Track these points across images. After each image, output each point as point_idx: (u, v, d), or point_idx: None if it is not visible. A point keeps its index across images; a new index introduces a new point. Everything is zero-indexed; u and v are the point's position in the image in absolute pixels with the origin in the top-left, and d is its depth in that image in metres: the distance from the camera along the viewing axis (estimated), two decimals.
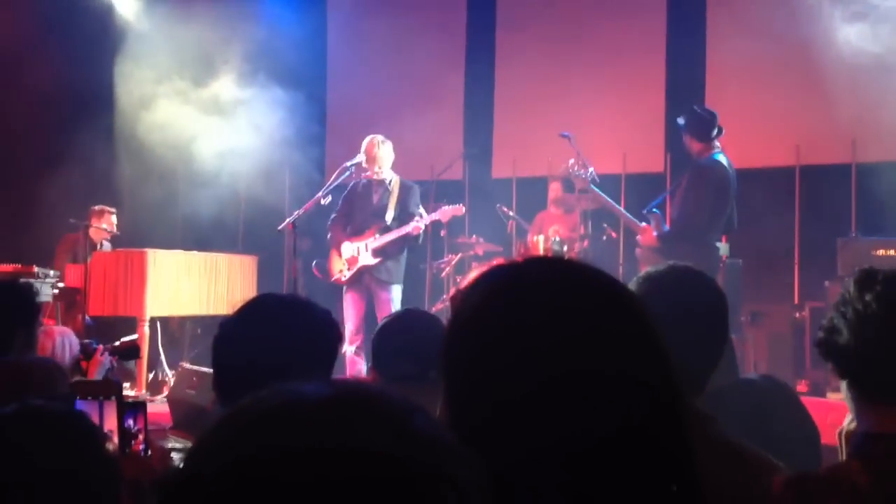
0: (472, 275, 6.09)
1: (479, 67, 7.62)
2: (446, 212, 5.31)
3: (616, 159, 6.93)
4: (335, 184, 5.18)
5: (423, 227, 5.23)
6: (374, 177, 5.31)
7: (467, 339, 0.73)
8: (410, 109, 7.13)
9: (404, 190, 5.34)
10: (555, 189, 6.58)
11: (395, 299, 5.26)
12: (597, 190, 5.17)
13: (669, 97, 6.92)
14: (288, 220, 5.07)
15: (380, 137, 5.32)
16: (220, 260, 6.30)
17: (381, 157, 5.28)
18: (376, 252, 5.25)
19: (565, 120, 6.40)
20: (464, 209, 5.36)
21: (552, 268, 0.77)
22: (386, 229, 5.25)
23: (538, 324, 0.70)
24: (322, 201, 5.09)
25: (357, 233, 5.31)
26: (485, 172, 7.52)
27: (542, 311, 0.71)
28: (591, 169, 5.24)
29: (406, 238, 5.27)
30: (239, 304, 1.46)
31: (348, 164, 5.19)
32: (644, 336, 0.72)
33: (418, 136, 6.79)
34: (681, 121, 4.80)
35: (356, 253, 5.30)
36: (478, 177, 7.40)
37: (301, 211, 5.06)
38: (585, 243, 5.92)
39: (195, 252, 6.21)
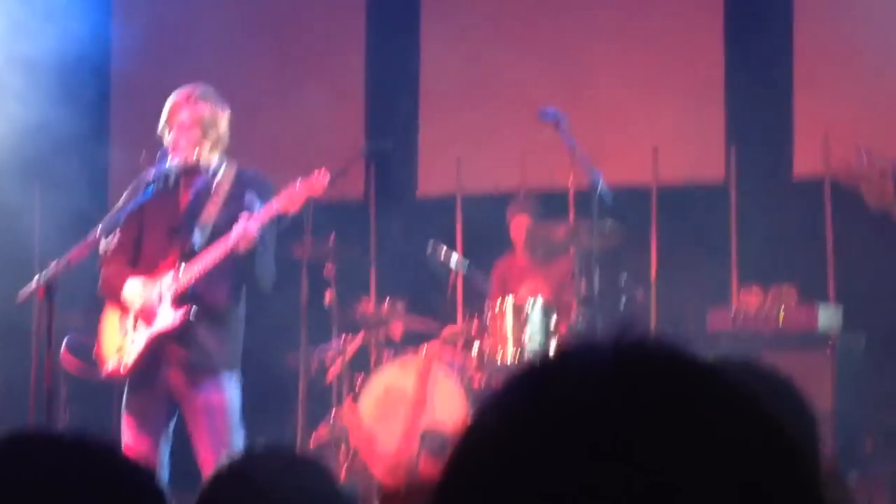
0: (388, 374, 6.02)
1: None
2: (295, 193, 5.15)
3: (641, 162, 7.13)
4: (127, 210, 5.17)
5: (256, 231, 5.03)
6: (184, 162, 5.13)
7: None
8: (265, 67, 7.40)
9: (241, 184, 5.23)
10: (519, 224, 6.73)
11: (227, 406, 5.14)
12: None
13: (730, 62, 7.28)
14: (37, 279, 4.96)
15: (201, 90, 5.30)
16: None
17: (200, 123, 5.15)
18: (180, 301, 5.08)
19: (550, 94, 6.66)
20: (328, 177, 5.27)
21: (648, 374, 0.88)
22: (193, 254, 5.11)
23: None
24: (101, 245, 5.07)
25: (148, 268, 5.25)
26: (406, 185, 7.68)
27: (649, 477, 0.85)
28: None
29: (236, 265, 5.12)
30: None
31: (153, 173, 5.16)
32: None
33: (280, 116, 7.08)
34: None
35: (151, 300, 5.17)
36: (393, 192, 7.55)
37: (62, 261, 4.99)
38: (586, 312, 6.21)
39: None
